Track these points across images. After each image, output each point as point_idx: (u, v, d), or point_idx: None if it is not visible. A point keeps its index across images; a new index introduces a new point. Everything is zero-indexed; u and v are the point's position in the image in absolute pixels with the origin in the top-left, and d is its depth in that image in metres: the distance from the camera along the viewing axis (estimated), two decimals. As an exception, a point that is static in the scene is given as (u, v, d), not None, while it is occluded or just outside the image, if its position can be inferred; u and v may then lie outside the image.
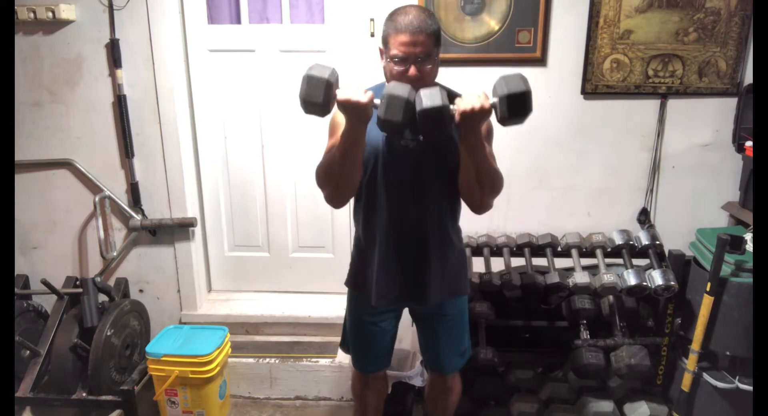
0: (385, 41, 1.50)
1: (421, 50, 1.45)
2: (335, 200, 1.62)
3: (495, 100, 1.41)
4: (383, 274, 1.65)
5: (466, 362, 1.88)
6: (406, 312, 1.87)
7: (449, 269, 1.69)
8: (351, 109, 1.40)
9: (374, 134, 1.57)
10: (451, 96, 1.47)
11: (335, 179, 1.55)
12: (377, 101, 1.41)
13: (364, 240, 1.69)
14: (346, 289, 1.85)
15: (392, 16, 1.49)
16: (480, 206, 1.61)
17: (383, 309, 1.75)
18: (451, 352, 1.81)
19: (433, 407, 2.01)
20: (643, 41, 2.31)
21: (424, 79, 1.49)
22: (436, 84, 1.64)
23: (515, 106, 1.39)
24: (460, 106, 1.39)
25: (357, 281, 1.75)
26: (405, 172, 1.58)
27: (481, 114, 1.39)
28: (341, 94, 1.39)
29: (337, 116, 1.65)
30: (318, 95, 1.39)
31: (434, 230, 1.63)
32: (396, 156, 1.57)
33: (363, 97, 1.38)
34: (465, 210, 1.75)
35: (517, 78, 1.40)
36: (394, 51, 1.46)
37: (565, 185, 2.51)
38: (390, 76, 1.53)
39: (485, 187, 1.55)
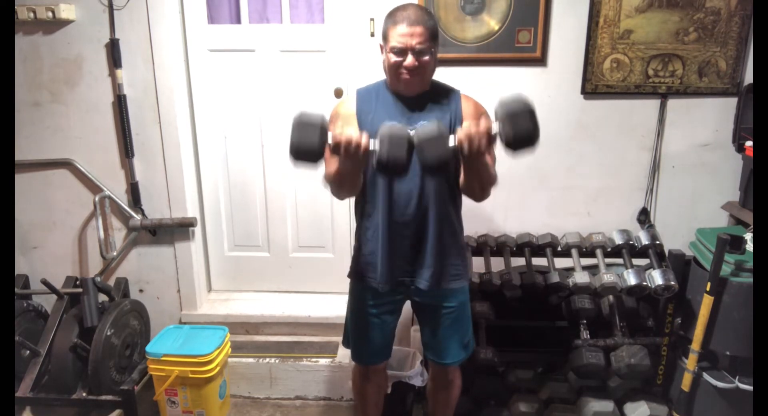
0: (385, 36, 1.57)
1: (419, 41, 1.51)
2: (340, 197, 1.73)
3: (497, 126, 1.36)
4: (385, 259, 1.67)
5: (468, 356, 1.88)
6: (406, 311, 1.87)
7: (449, 252, 1.70)
8: (346, 156, 1.43)
9: (375, 123, 1.58)
10: (452, 128, 1.48)
11: (338, 188, 1.64)
12: (373, 144, 1.40)
13: (366, 228, 1.72)
14: (346, 289, 1.86)
15: (391, 12, 1.57)
16: (479, 199, 1.67)
17: (384, 301, 1.76)
18: (453, 342, 1.82)
19: (435, 402, 2.01)
20: (643, 41, 2.31)
21: (422, 71, 1.56)
22: (435, 84, 1.67)
23: (519, 128, 1.31)
24: (460, 138, 1.38)
25: (359, 270, 1.76)
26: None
27: (483, 145, 1.38)
28: (335, 139, 1.40)
29: (339, 107, 1.69)
30: (312, 140, 1.38)
31: (435, 216, 1.65)
32: None
33: (360, 144, 1.39)
34: (466, 211, 1.76)
35: (516, 98, 1.34)
36: (392, 43, 1.53)
37: (565, 185, 2.51)
38: (389, 68, 1.58)
39: (484, 188, 1.62)
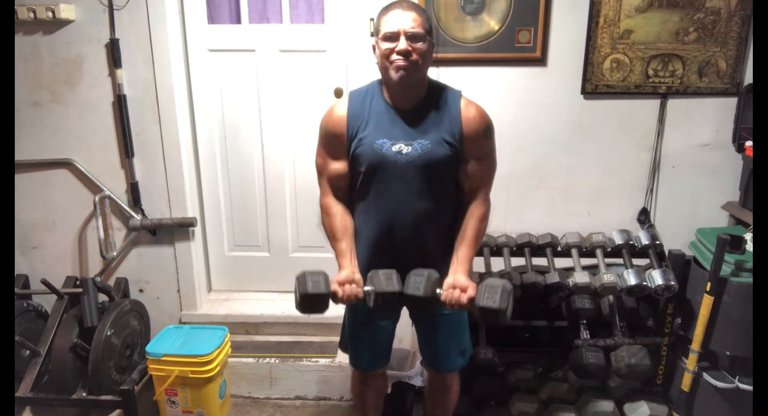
0: (377, 29, 1.53)
1: (412, 26, 1.47)
2: None
3: (477, 301, 1.48)
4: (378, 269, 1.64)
5: (466, 362, 1.87)
6: (405, 311, 1.86)
7: (446, 261, 1.66)
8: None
9: (368, 138, 1.56)
10: (437, 280, 1.55)
11: None
12: (368, 289, 1.53)
13: (361, 238, 1.69)
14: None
15: (383, 7, 1.56)
16: None
17: (381, 308, 1.74)
18: (451, 349, 1.81)
19: (433, 405, 2.01)
20: (643, 41, 2.31)
21: (415, 63, 1.49)
22: (432, 88, 1.62)
23: (489, 317, 1.47)
24: (445, 300, 1.51)
25: None
26: (398, 175, 1.57)
27: (463, 308, 1.53)
28: (336, 299, 1.52)
29: (331, 114, 1.63)
30: (320, 286, 1.49)
31: (429, 229, 1.63)
32: (387, 161, 1.56)
33: (355, 300, 1.53)
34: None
35: (495, 295, 1.45)
36: (384, 30, 1.49)
37: (565, 185, 2.51)
38: (381, 60, 1.52)
39: None
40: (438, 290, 1.52)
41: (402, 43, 1.47)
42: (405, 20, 1.47)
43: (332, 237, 1.64)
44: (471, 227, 1.61)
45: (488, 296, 1.44)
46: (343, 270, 1.57)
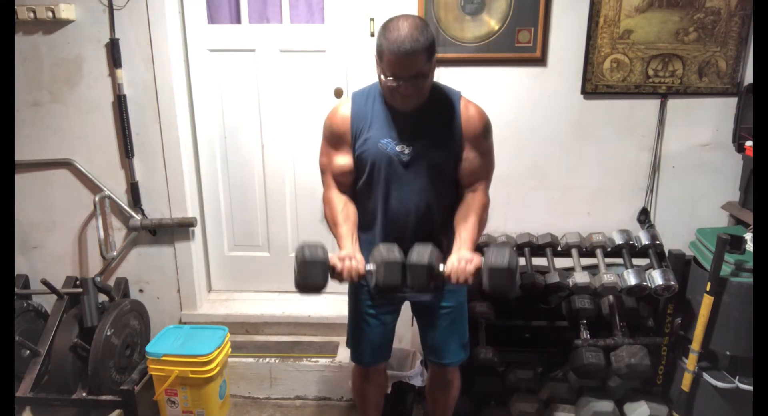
0: (380, 55, 1.48)
1: (413, 73, 1.45)
2: None
3: (482, 269, 1.46)
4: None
5: (467, 357, 1.88)
6: (406, 310, 1.87)
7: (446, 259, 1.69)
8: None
9: (371, 139, 1.59)
10: (440, 256, 1.50)
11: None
12: (370, 267, 1.50)
13: (363, 235, 1.71)
14: (346, 289, 1.86)
15: (385, 31, 1.45)
16: None
17: (383, 302, 1.76)
18: (453, 343, 1.82)
19: (434, 402, 2.01)
20: (643, 41, 2.31)
21: (417, 95, 1.52)
22: (433, 91, 1.62)
23: (498, 285, 1.44)
24: (448, 273, 1.48)
25: None
26: (400, 175, 1.59)
27: (469, 281, 1.48)
28: (337, 270, 1.50)
29: (334, 114, 1.66)
30: (317, 253, 1.47)
31: (430, 226, 1.64)
32: (392, 161, 1.59)
33: (359, 274, 1.50)
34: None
35: (501, 259, 1.43)
36: (386, 69, 1.47)
37: (565, 185, 2.51)
38: (384, 86, 1.53)
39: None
40: (441, 267, 1.48)
41: (403, 89, 1.47)
42: (406, 68, 1.44)
43: (333, 224, 1.64)
44: (474, 213, 1.61)
45: (496, 257, 1.41)
46: (343, 250, 1.56)
